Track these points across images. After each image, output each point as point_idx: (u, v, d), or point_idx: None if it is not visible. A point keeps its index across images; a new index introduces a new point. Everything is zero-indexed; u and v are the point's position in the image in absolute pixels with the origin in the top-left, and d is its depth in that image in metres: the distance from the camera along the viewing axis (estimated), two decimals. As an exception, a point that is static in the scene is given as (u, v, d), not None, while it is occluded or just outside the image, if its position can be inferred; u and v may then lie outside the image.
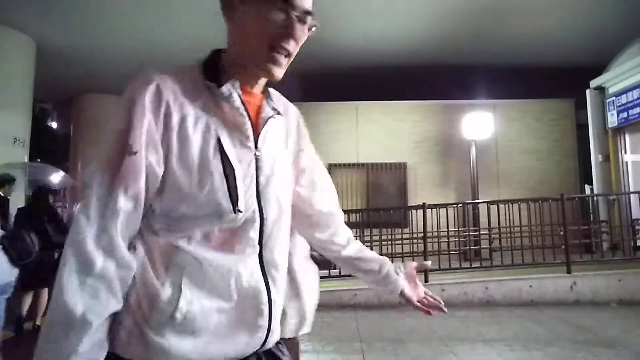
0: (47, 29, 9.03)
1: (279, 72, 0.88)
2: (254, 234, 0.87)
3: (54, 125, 21.29)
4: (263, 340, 0.89)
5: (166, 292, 0.79)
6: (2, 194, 5.34)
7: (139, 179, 0.79)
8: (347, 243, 1.18)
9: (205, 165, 0.81)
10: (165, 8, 8.22)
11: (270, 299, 0.88)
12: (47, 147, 18.70)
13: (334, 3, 8.22)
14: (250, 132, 0.88)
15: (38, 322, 4.76)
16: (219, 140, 0.83)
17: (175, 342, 0.79)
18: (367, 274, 1.18)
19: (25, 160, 9.56)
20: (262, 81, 0.93)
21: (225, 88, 0.85)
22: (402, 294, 1.17)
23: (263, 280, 0.88)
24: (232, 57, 0.90)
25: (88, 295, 0.73)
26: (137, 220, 0.81)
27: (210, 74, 0.87)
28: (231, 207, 0.82)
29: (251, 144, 0.88)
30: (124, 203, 0.78)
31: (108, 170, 0.78)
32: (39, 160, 19.45)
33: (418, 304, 1.18)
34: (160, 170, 0.80)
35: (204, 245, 0.82)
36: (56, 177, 8.77)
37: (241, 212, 0.84)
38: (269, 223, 0.89)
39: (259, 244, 0.88)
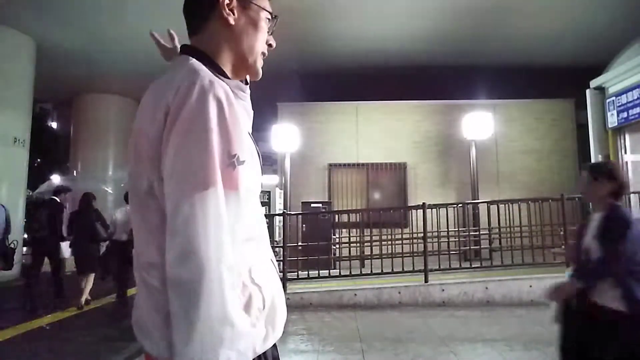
0: (47, 29, 9.03)
1: (261, 71, 1.02)
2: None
3: (54, 125, 21.29)
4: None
5: (254, 289, 0.86)
6: (59, 201, 6.43)
7: (249, 187, 0.84)
8: None
9: (255, 158, 0.90)
10: (165, 8, 8.21)
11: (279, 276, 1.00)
12: (47, 147, 18.71)
13: (334, 3, 8.23)
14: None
15: (87, 297, 6.10)
16: (249, 134, 0.93)
17: (261, 328, 0.87)
18: None
19: (26, 161, 9.57)
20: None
21: (248, 88, 0.97)
22: None
23: (272, 263, 0.98)
24: (229, 59, 0.96)
25: (239, 309, 0.80)
26: None
27: (221, 72, 0.93)
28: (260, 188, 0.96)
29: None
30: (246, 215, 0.84)
31: (227, 183, 0.79)
32: (38, 160, 19.50)
33: None
34: (255, 174, 0.89)
35: (256, 237, 0.91)
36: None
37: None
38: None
39: None
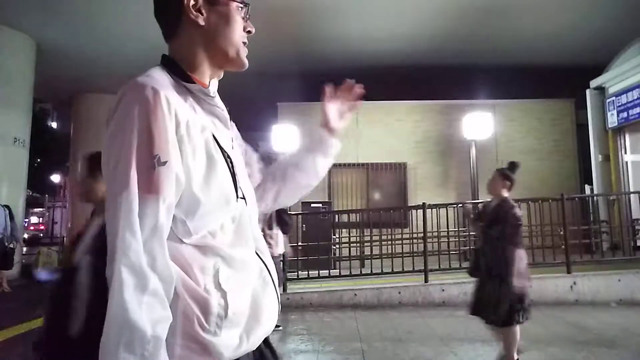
0: (47, 29, 9.03)
1: (246, 61, 0.99)
2: (249, 224, 0.94)
3: (54, 125, 21.29)
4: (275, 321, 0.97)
5: (214, 295, 0.82)
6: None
7: (172, 190, 0.79)
8: (274, 169, 1.21)
9: (212, 161, 0.86)
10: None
11: (274, 284, 0.97)
12: (47, 147, 18.71)
13: (334, 3, 8.23)
14: (229, 125, 0.96)
15: None
16: (214, 136, 0.89)
17: (228, 336, 0.83)
18: (308, 154, 1.19)
19: (26, 161, 9.57)
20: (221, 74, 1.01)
21: (212, 88, 0.93)
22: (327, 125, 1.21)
23: (266, 269, 0.96)
24: (207, 58, 0.94)
25: (148, 312, 0.73)
26: (169, 230, 0.81)
27: (183, 77, 0.90)
28: (235, 194, 0.89)
29: (231, 135, 0.96)
30: (164, 216, 0.78)
31: (143, 185, 0.77)
32: (39, 160, 19.50)
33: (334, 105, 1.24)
34: (183, 178, 0.82)
35: (224, 242, 0.87)
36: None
37: (243, 198, 0.91)
38: (253, 210, 0.96)
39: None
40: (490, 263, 3.22)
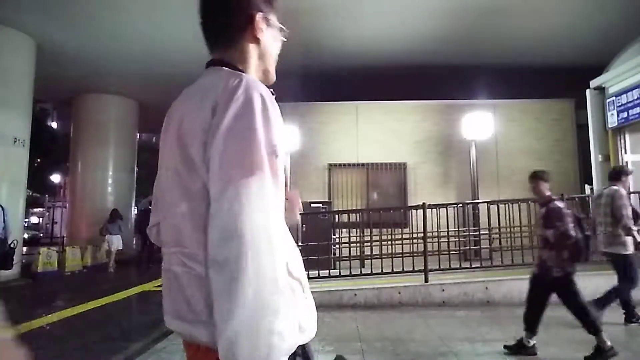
0: (47, 29, 9.03)
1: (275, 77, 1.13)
2: None
3: (54, 125, 21.29)
4: None
5: (295, 283, 0.91)
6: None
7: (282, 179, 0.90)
8: None
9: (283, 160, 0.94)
10: (164, 9, 8.21)
11: None
12: (47, 147, 18.72)
13: (334, 4, 8.23)
14: None
15: None
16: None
17: (306, 318, 0.92)
18: None
19: (26, 160, 9.56)
20: None
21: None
22: None
23: None
24: (257, 69, 1.06)
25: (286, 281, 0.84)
26: None
27: None
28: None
29: None
30: (281, 200, 0.89)
31: (271, 171, 0.85)
32: (39, 160, 19.50)
33: None
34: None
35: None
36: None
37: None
38: None
39: None
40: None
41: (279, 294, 0.79)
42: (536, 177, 3.87)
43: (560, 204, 3.64)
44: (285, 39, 1.14)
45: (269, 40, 1.07)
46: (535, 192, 3.87)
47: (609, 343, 3.43)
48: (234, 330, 0.75)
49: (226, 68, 0.98)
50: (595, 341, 3.47)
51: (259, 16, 1.04)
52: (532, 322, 3.74)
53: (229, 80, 0.89)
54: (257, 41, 1.05)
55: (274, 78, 1.11)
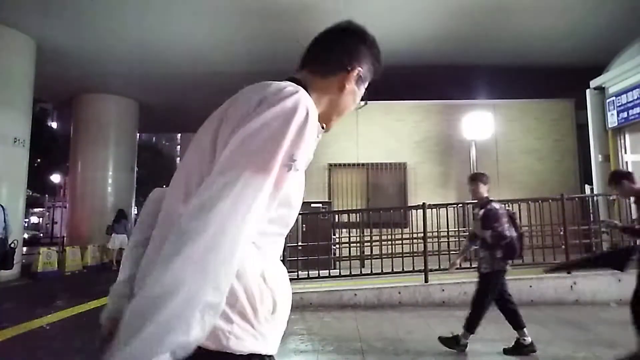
0: (47, 29, 9.03)
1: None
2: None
3: (54, 125, 21.30)
4: None
5: (267, 288, 0.88)
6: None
7: (283, 192, 0.87)
8: None
9: (303, 174, 0.96)
10: (164, 9, 8.21)
11: None
12: (47, 147, 18.73)
13: (334, 3, 8.23)
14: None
15: None
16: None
17: (270, 331, 0.89)
18: None
19: (26, 160, 9.57)
20: None
21: (320, 132, 1.04)
22: None
23: None
24: (322, 104, 1.06)
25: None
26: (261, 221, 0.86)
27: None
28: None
29: None
30: (273, 211, 0.87)
31: (276, 180, 0.83)
32: (39, 160, 19.50)
33: None
34: (295, 193, 0.95)
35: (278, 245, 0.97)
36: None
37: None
38: None
39: None
40: None
41: (216, 289, 0.73)
42: (475, 179, 4.01)
43: (496, 206, 3.79)
44: (358, 107, 1.18)
45: (349, 95, 1.10)
46: (474, 193, 4.00)
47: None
48: (166, 284, 0.69)
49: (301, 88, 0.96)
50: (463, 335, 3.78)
51: (358, 70, 1.08)
52: (513, 318, 3.84)
53: (287, 86, 0.90)
54: (341, 88, 1.07)
55: (327, 129, 1.13)
